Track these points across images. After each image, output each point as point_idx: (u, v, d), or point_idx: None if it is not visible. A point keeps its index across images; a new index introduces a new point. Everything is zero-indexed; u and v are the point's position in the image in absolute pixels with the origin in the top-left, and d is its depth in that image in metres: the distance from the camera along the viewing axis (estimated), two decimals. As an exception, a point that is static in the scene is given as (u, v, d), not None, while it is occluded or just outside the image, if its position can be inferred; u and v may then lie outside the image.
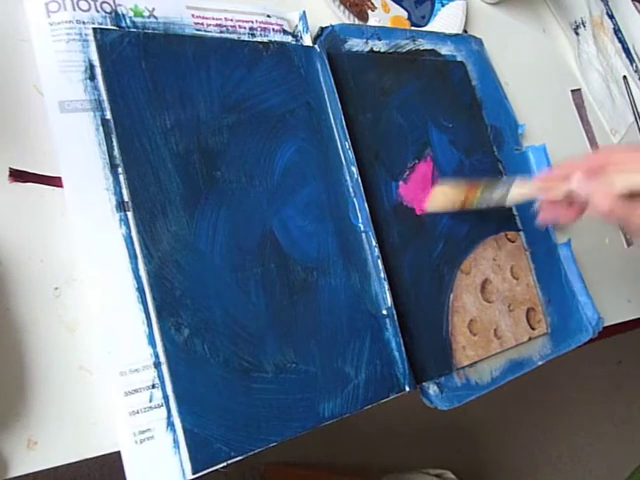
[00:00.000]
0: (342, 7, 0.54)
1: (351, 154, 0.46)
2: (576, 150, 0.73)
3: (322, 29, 0.50)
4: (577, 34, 0.78)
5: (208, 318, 0.37)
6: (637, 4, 0.88)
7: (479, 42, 0.63)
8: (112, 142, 0.37)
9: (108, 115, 0.37)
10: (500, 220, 0.57)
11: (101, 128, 0.37)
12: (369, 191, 0.47)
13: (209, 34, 0.43)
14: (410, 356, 0.45)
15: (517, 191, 0.47)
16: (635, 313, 0.68)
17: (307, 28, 0.49)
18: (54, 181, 0.36)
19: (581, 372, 1.56)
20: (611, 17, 0.86)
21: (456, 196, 0.50)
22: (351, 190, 0.46)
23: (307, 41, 0.49)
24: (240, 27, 0.45)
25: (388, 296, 0.45)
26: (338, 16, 0.54)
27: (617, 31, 0.85)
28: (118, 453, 0.33)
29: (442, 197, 0.51)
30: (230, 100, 0.42)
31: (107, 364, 0.34)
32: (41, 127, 0.36)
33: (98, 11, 0.39)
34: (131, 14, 0.40)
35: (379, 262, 0.45)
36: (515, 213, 0.59)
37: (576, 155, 0.43)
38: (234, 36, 0.45)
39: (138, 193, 0.37)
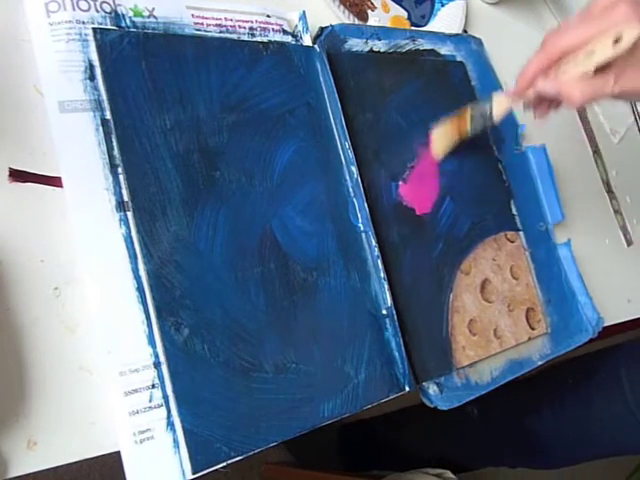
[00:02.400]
0: (342, 7, 0.54)
1: (351, 154, 0.46)
2: (576, 150, 0.73)
3: (322, 29, 0.50)
4: (577, 34, 0.77)
5: (208, 318, 0.37)
6: (637, 4, 0.87)
7: (479, 42, 0.63)
8: (112, 142, 0.37)
9: (108, 115, 0.37)
10: (500, 220, 0.57)
11: (101, 128, 0.37)
12: (369, 191, 0.47)
13: (209, 34, 0.43)
14: (410, 356, 0.45)
15: (499, 105, 0.49)
16: (635, 313, 0.68)
17: (307, 28, 0.49)
18: (54, 181, 0.36)
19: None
20: (611, 17, 0.86)
21: (452, 130, 0.52)
22: (351, 190, 0.46)
23: (307, 41, 0.49)
24: (240, 27, 0.45)
25: (388, 296, 0.45)
26: (338, 16, 0.54)
27: (617, 31, 0.85)
28: (118, 453, 0.33)
29: (442, 138, 0.53)
30: (230, 100, 0.42)
31: (107, 364, 0.34)
32: (41, 127, 0.36)
33: (98, 11, 0.39)
34: (131, 14, 0.40)
35: (379, 262, 0.45)
36: (515, 213, 0.59)
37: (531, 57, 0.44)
38: (234, 36, 0.45)
39: (138, 193, 0.37)
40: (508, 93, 0.48)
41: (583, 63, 0.41)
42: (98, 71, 0.37)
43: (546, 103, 0.47)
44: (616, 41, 0.39)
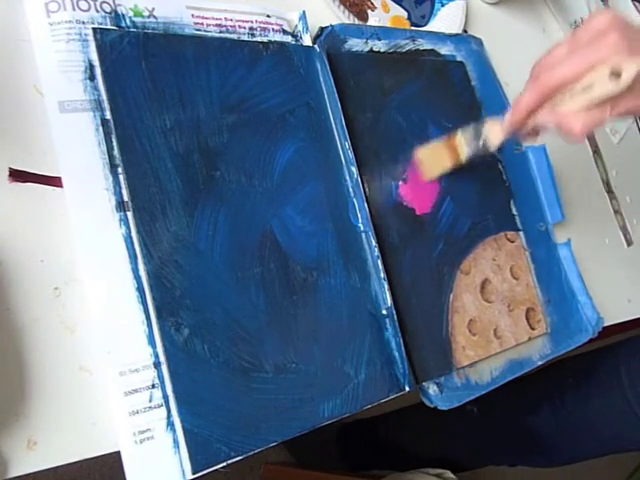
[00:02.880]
0: (342, 7, 0.54)
1: (351, 154, 0.46)
2: (576, 150, 0.73)
3: (322, 29, 0.50)
4: (577, 34, 0.77)
5: (208, 318, 0.37)
6: (637, 4, 0.88)
7: (479, 42, 0.63)
8: (112, 142, 0.37)
9: (108, 115, 0.37)
10: (500, 220, 0.57)
11: (101, 128, 0.37)
12: (369, 191, 0.47)
13: (209, 34, 0.43)
14: (410, 356, 0.45)
15: (494, 136, 0.48)
16: (635, 313, 0.68)
17: (307, 28, 0.49)
18: (54, 181, 0.36)
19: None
20: (611, 17, 0.86)
21: (443, 156, 0.51)
22: (351, 190, 0.46)
23: (307, 41, 0.49)
24: (240, 27, 0.45)
25: (388, 296, 0.45)
26: (338, 16, 0.54)
27: (617, 31, 0.85)
28: (118, 453, 0.33)
29: (432, 162, 0.52)
30: (230, 100, 0.42)
31: (107, 364, 0.34)
32: (41, 127, 0.36)
33: (98, 11, 0.39)
34: (131, 14, 0.40)
35: (379, 262, 0.45)
36: (515, 213, 0.59)
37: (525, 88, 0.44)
38: (234, 36, 0.45)
39: (138, 193, 0.37)
40: (502, 125, 0.47)
41: (581, 97, 0.40)
42: (98, 71, 0.37)
43: (536, 132, 0.47)
44: (612, 73, 0.39)
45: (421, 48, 0.58)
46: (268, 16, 0.47)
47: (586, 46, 0.40)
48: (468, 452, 0.89)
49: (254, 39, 0.46)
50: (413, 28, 0.60)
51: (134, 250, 0.36)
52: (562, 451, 0.79)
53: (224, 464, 0.35)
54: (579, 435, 0.74)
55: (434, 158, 0.52)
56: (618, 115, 0.41)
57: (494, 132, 0.48)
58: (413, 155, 0.52)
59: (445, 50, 0.59)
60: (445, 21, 0.62)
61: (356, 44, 0.52)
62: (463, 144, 0.50)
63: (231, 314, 0.38)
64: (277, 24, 0.47)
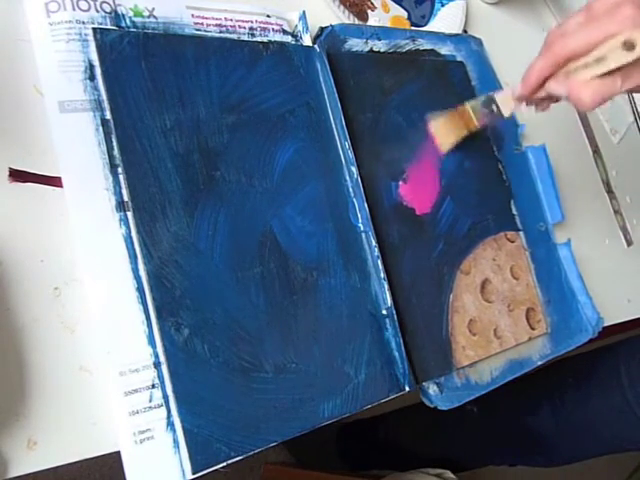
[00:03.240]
0: (342, 7, 0.54)
1: (351, 154, 0.46)
2: (576, 150, 0.73)
3: (322, 29, 0.50)
4: (577, 34, 0.77)
5: (208, 318, 0.37)
6: (637, 4, 0.87)
7: (479, 42, 0.63)
8: (112, 142, 0.37)
9: (108, 115, 0.37)
10: (500, 220, 0.57)
11: (101, 128, 0.37)
12: (369, 191, 0.47)
13: (209, 34, 0.43)
14: (410, 356, 0.45)
15: (505, 103, 0.49)
16: (635, 313, 0.68)
17: (307, 28, 0.49)
18: (54, 181, 0.36)
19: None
20: (611, 17, 0.86)
21: (457, 124, 0.52)
22: (351, 190, 0.46)
23: (307, 41, 0.49)
24: (240, 27, 0.45)
25: (388, 296, 0.45)
26: (338, 16, 0.54)
27: (617, 31, 0.85)
28: (118, 453, 0.33)
29: (446, 131, 0.53)
30: (230, 100, 0.42)
31: (107, 364, 0.34)
32: (41, 127, 0.36)
33: (98, 11, 0.39)
34: (131, 14, 0.40)
35: (379, 262, 0.45)
36: (515, 213, 0.59)
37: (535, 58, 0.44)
38: (234, 36, 0.45)
39: (138, 193, 0.37)
40: (513, 94, 0.48)
41: (594, 67, 0.41)
42: (98, 71, 0.37)
43: (549, 100, 0.47)
44: (626, 45, 0.39)
45: (421, 48, 0.58)
46: (268, 16, 0.47)
47: (601, 17, 0.40)
48: (468, 452, 0.89)
49: (254, 39, 0.46)
50: (413, 28, 0.60)
51: (134, 250, 0.36)
52: (562, 451, 0.79)
53: (224, 464, 0.35)
54: (579, 435, 0.74)
55: (448, 127, 0.53)
56: (629, 89, 0.41)
57: (506, 100, 0.49)
58: (426, 127, 0.53)
59: (445, 50, 0.59)
60: (445, 21, 0.62)
61: (356, 44, 0.52)
62: (473, 114, 0.51)
63: (231, 314, 0.38)
64: (277, 24, 0.47)
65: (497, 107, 0.49)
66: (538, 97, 0.46)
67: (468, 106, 0.51)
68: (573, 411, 0.74)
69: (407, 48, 0.56)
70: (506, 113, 0.49)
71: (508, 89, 0.49)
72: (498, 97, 0.49)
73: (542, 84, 0.44)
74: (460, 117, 0.52)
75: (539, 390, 0.79)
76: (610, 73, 0.41)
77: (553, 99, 0.47)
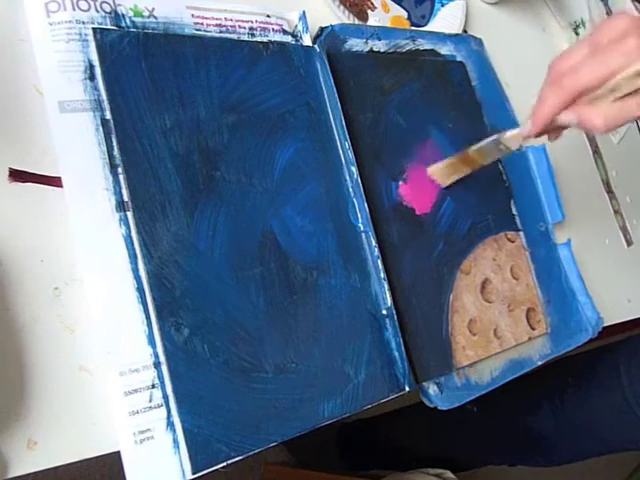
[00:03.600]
0: (342, 7, 0.54)
1: (351, 154, 0.46)
2: (576, 150, 0.73)
3: (322, 29, 0.50)
4: (577, 34, 0.78)
5: (208, 318, 0.37)
6: (637, 4, 0.88)
7: (479, 42, 0.63)
8: (112, 142, 0.37)
9: (108, 115, 0.37)
10: (500, 220, 0.57)
11: (101, 128, 0.37)
12: (369, 191, 0.47)
13: (209, 34, 0.43)
14: (410, 356, 0.45)
15: (514, 141, 0.48)
16: (635, 313, 0.68)
17: (307, 28, 0.49)
18: (54, 181, 0.36)
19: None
20: (611, 17, 0.86)
21: (456, 167, 0.52)
22: (351, 190, 0.46)
23: (307, 41, 0.49)
24: (240, 27, 0.45)
25: (388, 296, 0.45)
26: (338, 16, 0.54)
27: (617, 31, 0.85)
28: (118, 453, 0.33)
29: (446, 173, 0.52)
30: (230, 100, 0.42)
31: (107, 364, 0.34)
32: (41, 127, 0.36)
33: (98, 11, 0.39)
34: (131, 14, 0.40)
35: (379, 262, 0.45)
36: (515, 213, 0.59)
37: (541, 91, 0.43)
38: (234, 36, 0.45)
39: (138, 193, 0.37)
40: (522, 133, 0.46)
41: (607, 96, 0.40)
42: (98, 71, 0.37)
43: (559, 129, 0.46)
44: (638, 75, 0.38)
45: (421, 48, 0.58)
46: (268, 16, 0.47)
47: (608, 49, 0.40)
48: (468, 452, 0.89)
49: (254, 39, 0.46)
50: (413, 28, 0.60)
51: (134, 250, 0.36)
52: (562, 451, 0.79)
53: (224, 464, 0.35)
54: (579, 435, 0.74)
55: (447, 171, 0.52)
56: None
57: (514, 139, 0.48)
58: (424, 170, 0.52)
59: (445, 50, 0.59)
60: (445, 21, 0.62)
61: (356, 44, 0.52)
62: (479, 156, 0.50)
63: (231, 314, 0.38)
64: (277, 24, 0.47)
65: (505, 146, 0.48)
66: (548, 129, 0.45)
67: (471, 151, 0.50)
68: (573, 411, 0.74)
69: (407, 48, 0.56)
70: (514, 147, 0.48)
71: (516, 130, 0.47)
72: (505, 139, 0.48)
73: (553, 120, 0.43)
74: (461, 162, 0.51)
75: (539, 390, 0.79)
76: (623, 97, 0.40)
77: (563, 128, 0.46)
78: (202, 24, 0.43)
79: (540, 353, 0.55)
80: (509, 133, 0.47)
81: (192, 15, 0.43)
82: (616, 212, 0.73)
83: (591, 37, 0.41)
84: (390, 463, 0.97)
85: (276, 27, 0.47)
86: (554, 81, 0.42)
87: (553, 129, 0.45)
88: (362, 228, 0.46)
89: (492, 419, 0.82)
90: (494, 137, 0.48)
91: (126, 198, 0.36)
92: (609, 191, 0.73)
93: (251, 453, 0.37)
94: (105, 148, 0.37)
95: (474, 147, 0.50)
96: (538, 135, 0.45)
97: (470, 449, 0.89)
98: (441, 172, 0.52)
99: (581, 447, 0.77)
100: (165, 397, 0.35)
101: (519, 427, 0.80)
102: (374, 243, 0.45)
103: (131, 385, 0.34)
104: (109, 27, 0.39)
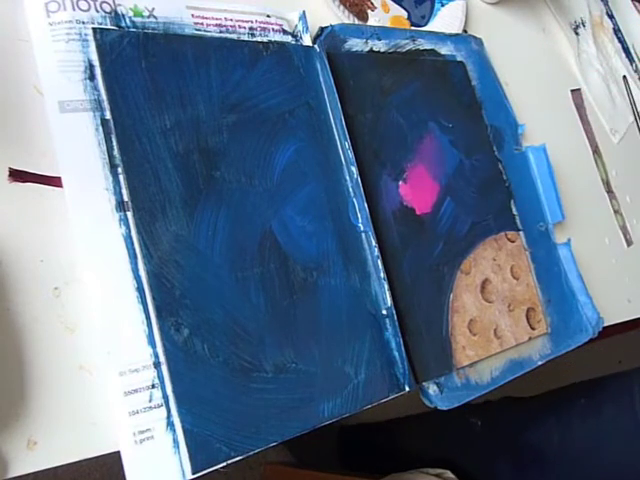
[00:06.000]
0: (342, 7, 0.54)
1: (351, 154, 0.46)
2: (576, 150, 0.73)
3: (322, 29, 0.50)
4: (577, 34, 0.78)
5: (208, 318, 0.37)
6: (637, 4, 0.88)
7: (479, 42, 0.63)
8: (112, 142, 0.37)
9: (108, 115, 0.37)
10: (500, 220, 0.57)
11: (101, 128, 0.37)
12: (369, 191, 0.47)
13: (209, 34, 0.43)
14: (410, 356, 0.45)
15: None
16: (635, 313, 0.68)
17: (307, 28, 0.49)
18: (54, 181, 0.36)
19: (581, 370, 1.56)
20: (611, 17, 0.86)
21: None
22: (351, 190, 0.46)
23: (307, 41, 0.49)
24: (240, 27, 0.45)
25: (388, 296, 0.45)
26: (338, 16, 0.54)
27: (617, 31, 0.86)
28: (118, 453, 0.33)
29: None
30: (230, 100, 0.42)
31: (107, 364, 0.34)
32: (41, 127, 0.36)
33: (98, 11, 0.39)
34: (131, 14, 0.40)
35: (379, 262, 0.45)
36: (515, 213, 0.59)
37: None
38: (234, 36, 0.45)
39: (138, 193, 0.37)
40: None
41: None
42: (98, 71, 0.37)
43: None
44: None
45: (421, 48, 0.58)
46: (268, 16, 0.47)
47: None
48: (469, 465, 0.89)
49: (254, 39, 0.46)
50: (413, 28, 0.60)
51: (134, 250, 0.36)
52: (565, 471, 0.77)
53: (224, 464, 0.35)
54: (580, 458, 0.72)
55: None
56: None
57: None
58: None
59: (445, 50, 0.59)
60: (445, 21, 0.62)
61: (356, 44, 0.52)
62: None
63: (231, 314, 0.38)
64: (277, 24, 0.47)
65: None
66: None
67: None
68: (580, 430, 0.73)
69: (407, 48, 0.56)
70: None
71: None
72: None
73: None
74: None
75: (547, 409, 0.78)
76: None
77: None
78: (202, 24, 0.43)
79: (540, 353, 0.55)
80: None
81: (192, 15, 0.43)
82: (616, 212, 0.73)
83: None
84: (390, 464, 0.97)
85: (276, 27, 0.47)
86: None
87: None
88: (362, 228, 0.46)
89: (495, 435, 0.81)
90: None
91: (126, 198, 0.36)
92: (609, 191, 0.73)
93: (251, 453, 0.37)
94: (105, 148, 0.37)
95: None
96: None
97: (471, 462, 0.88)
98: None
99: (580, 472, 0.75)
100: (165, 397, 0.35)
101: (522, 445, 0.78)
102: (374, 243, 0.45)
103: (131, 385, 0.34)
104: (109, 27, 0.39)
